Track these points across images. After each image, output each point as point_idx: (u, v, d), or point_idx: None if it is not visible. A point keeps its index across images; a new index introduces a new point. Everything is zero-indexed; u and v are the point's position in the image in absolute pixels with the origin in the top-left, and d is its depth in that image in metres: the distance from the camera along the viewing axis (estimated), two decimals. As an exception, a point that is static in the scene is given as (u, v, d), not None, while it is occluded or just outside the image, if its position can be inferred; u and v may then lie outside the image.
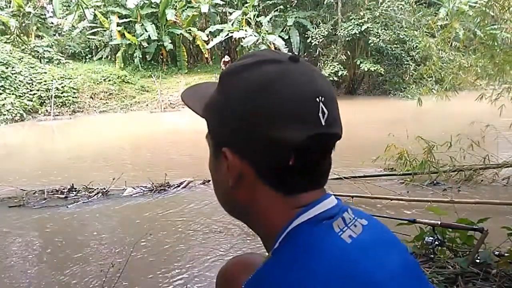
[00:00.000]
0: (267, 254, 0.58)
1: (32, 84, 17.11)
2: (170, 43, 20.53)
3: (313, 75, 0.56)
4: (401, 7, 18.07)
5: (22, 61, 17.66)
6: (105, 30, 20.80)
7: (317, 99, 0.53)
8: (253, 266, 0.59)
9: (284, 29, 20.44)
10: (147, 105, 18.63)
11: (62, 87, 17.57)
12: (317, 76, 0.56)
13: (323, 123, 0.53)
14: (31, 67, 17.65)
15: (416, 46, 17.40)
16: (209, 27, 21.39)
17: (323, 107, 0.54)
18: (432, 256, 2.66)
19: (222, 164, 0.58)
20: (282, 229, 0.56)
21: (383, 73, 19.00)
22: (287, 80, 0.54)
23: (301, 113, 0.53)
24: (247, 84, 0.55)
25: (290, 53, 0.59)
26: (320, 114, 0.53)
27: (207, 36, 20.84)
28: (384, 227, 0.63)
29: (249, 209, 0.59)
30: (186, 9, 21.34)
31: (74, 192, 6.07)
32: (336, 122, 0.56)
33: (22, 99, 16.49)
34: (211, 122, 0.60)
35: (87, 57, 21.88)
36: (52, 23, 21.60)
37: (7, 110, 15.70)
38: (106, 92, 18.51)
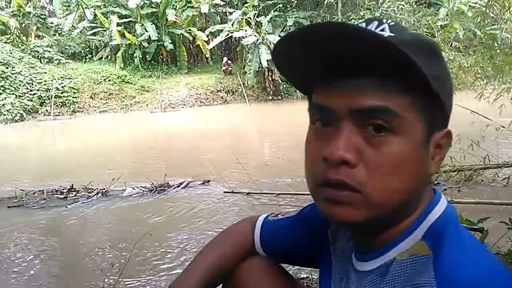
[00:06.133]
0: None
1: (32, 84, 17.10)
2: (170, 43, 20.52)
3: None
4: (401, 7, 18.09)
5: (22, 61, 17.65)
6: (105, 30, 20.79)
7: None
8: None
9: (284, 29, 20.41)
10: (147, 105, 18.63)
11: (62, 87, 17.56)
12: None
13: None
14: (31, 67, 17.64)
15: (416, 46, 17.36)
16: (209, 27, 21.38)
17: None
18: (432, 256, 2.65)
19: (430, 146, 0.57)
20: (423, 213, 0.57)
21: (383, 73, 18.98)
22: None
23: None
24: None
25: None
26: None
27: (207, 37, 20.84)
28: None
29: (420, 191, 0.58)
30: (186, 9, 21.34)
31: (74, 192, 6.06)
32: None
33: (22, 99, 16.48)
34: (443, 99, 0.56)
35: (87, 57, 21.86)
36: (52, 23, 21.58)
37: (7, 110, 15.70)
38: (106, 92, 18.51)
